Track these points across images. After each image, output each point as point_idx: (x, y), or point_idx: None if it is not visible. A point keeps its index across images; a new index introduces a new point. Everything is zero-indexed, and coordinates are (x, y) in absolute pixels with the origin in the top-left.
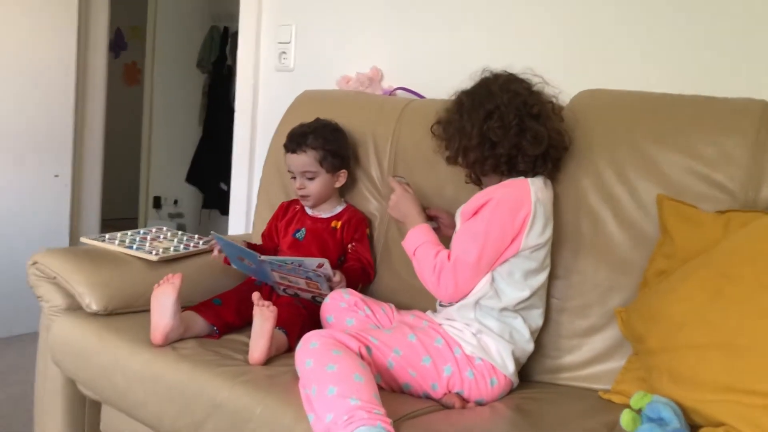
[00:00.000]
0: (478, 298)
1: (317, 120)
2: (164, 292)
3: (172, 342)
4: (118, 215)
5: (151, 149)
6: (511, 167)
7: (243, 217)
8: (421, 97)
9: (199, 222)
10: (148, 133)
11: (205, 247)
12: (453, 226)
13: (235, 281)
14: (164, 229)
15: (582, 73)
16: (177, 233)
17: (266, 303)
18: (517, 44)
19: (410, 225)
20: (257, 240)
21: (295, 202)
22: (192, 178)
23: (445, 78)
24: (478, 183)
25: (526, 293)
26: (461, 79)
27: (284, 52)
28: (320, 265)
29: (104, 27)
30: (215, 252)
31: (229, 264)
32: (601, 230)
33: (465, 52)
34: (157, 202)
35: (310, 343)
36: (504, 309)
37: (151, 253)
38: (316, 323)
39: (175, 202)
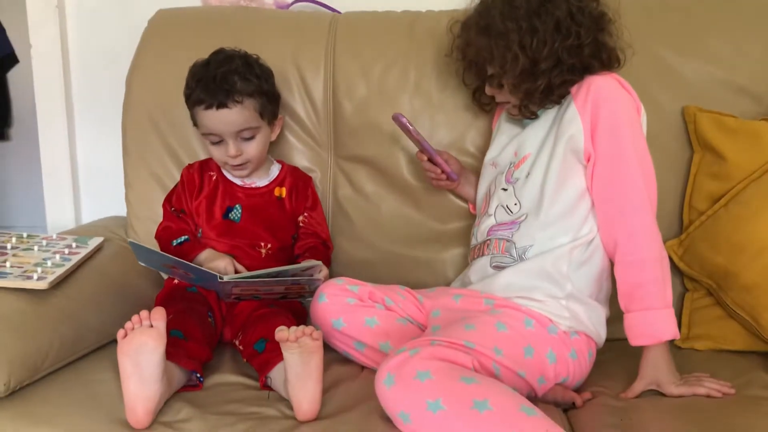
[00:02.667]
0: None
1: (223, 51)
2: (145, 344)
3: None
4: None
5: None
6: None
7: (68, 196)
8: (338, 12)
9: None
10: None
11: (86, 249)
12: (460, 174)
13: (148, 285)
14: None
15: None
16: (21, 236)
17: (306, 330)
18: None
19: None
20: (140, 225)
21: (207, 166)
22: None
23: None
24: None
25: None
26: None
27: None
28: (309, 268)
29: None
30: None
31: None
32: None
33: None
34: None
35: (414, 374)
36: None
37: (31, 278)
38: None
39: None
